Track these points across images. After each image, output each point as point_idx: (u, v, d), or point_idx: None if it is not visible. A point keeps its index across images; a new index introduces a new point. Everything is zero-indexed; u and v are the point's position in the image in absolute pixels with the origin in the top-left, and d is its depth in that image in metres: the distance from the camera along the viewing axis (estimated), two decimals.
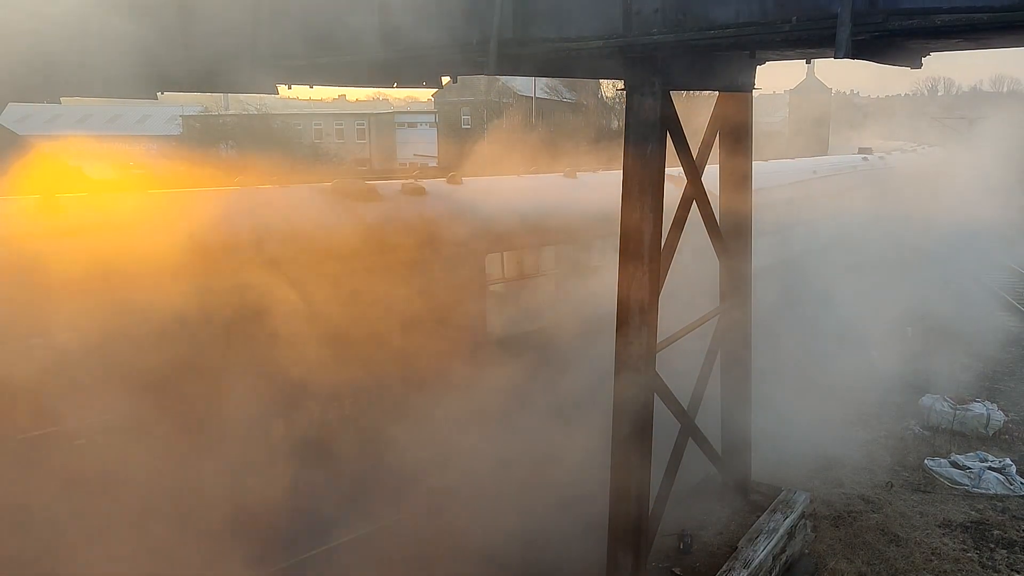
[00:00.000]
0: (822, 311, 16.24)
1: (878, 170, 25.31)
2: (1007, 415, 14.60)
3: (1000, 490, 11.99)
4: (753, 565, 8.34)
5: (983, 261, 28.22)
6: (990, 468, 12.36)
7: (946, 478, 12.33)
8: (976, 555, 10.31)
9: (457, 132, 49.36)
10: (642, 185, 7.10)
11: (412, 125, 60.05)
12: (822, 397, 14.34)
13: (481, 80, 47.87)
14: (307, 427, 7.85)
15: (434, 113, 57.05)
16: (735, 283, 9.28)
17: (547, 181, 12.08)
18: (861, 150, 29.34)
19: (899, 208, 23.53)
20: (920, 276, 22.82)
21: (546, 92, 53.10)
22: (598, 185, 12.22)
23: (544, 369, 9.94)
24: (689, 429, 8.63)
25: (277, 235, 7.73)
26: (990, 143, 33.87)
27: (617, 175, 12.74)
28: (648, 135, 6.98)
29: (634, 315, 7.29)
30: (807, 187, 18.34)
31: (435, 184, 10.27)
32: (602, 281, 10.63)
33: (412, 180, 9.99)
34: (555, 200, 10.96)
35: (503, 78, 45.07)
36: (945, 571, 9.97)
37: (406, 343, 8.43)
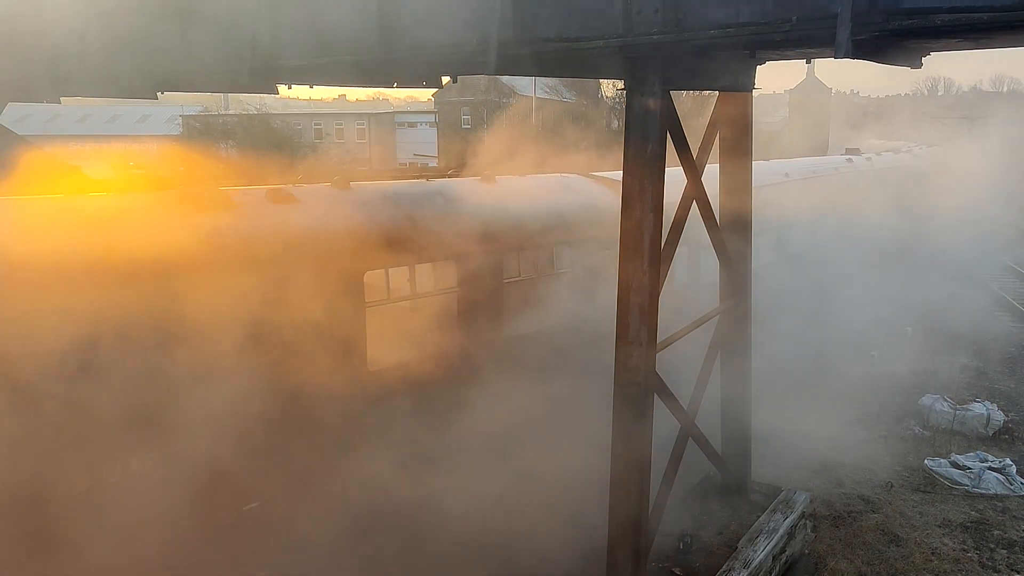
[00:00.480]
0: (800, 322, 15.67)
1: (864, 172, 23.41)
2: (1007, 415, 14.59)
3: (1000, 490, 11.98)
4: (753, 565, 8.34)
5: (980, 264, 27.84)
6: (990, 468, 12.35)
7: (946, 478, 12.33)
8: (976, 555, 10.31)
9: (457, 132, 49.41)
10: (642, 185, 7.10)
11: (412, 125, 60.14)
12: (821, 397, 14.35)
13: (481, 80, 47.95)
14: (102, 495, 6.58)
15: (434, 113, 57.16)
16: (735, 283, 9.29)
17: (458, 186, 10.75)
18: (848, 150, 27.30)
19: (887, 212, 21.65)
20: (911, 283, 22.02)
21: (546, 92, 53.14)
22: (519, 191, 11.05)
23: (444, 406, 8.82)
24: (689, 429, 8.63)
25: (72, 253, 6.44)
26: (992, 143, 33.76)
27: (544, 179, 12.08)
28: (648, 135, 6.98)
29: (634, 315, 7.29)
30: (775, 192, 16.28)
31: (315, 190, 9.12)
32: (515, 300, 9.90)
33: (285, 185, 8.98)
34: (462, 208, 9.78)
35: (504, 77, 45.10)
36: (945, 571, 9.96)
37: (247, 381, 7.18)
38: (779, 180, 17.23)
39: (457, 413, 8.94)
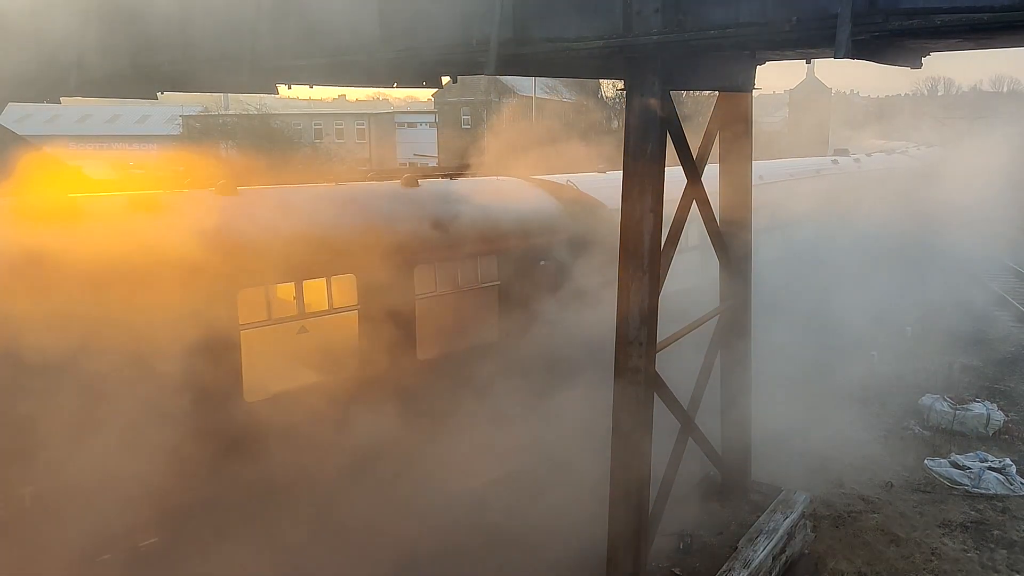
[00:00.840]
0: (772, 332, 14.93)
1: (851, 174, 21.83)
2: (1007, 415, 14.60)
3: (1000, 490, 11.98)
4: (753, 565, 8.34)
5: (978, 269, 27.30)
6: (990, 468, 12.35)
7: (946, 478, 12.33)
8: (976, 555, 10.31)
9: (457, 132, 49.46)
10: (642, 185, 7.10)
11: (412, 125, 60.14)
12: (821, 398, 14.34)
13: (481, 80, 47.94)
14: None
15: (434, 113, 57.15)
16: (735, 283, 9.28)
17: (373, 190, 9.67)
18: (837, 151, 26.07)
19: (874, 215, 20.06)
20: (897, 290, 20.87)
21: (546, 92, 53.14)
22: (444, 195, 9.96)
23: (340, 441, 7.92)
24: (689, 429, 8.63)
25: None
26: (992, 143, 33.59)
27: (476, 182, 11.16)
28: (648, 135, 6.98)
29: (634, 315, 7.29)
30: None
31: (191, 196, 8.19)
32: (431, 318, 8.98)
33: (155, 191, 8.13)
34: (370, 214, 8.82)
35: (505, 77, 45.14)
36: (945, 571, 9.97)
37: (93, 416, 6.35)
38: (753, 182, 16.20)
39: (356, 449, 8.00)
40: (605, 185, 12.10)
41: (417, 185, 9.90)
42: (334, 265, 8.09)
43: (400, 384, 8.53)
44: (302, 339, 8.37)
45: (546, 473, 9.29)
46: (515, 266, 9.92)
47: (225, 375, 7.25)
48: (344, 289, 8.21)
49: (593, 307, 9.86)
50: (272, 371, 7.92)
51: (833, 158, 23.10)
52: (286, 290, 7.95)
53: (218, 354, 7.15)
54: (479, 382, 9.12)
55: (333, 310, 8.15)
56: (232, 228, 7.61)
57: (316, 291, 8.08)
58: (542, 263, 10.20)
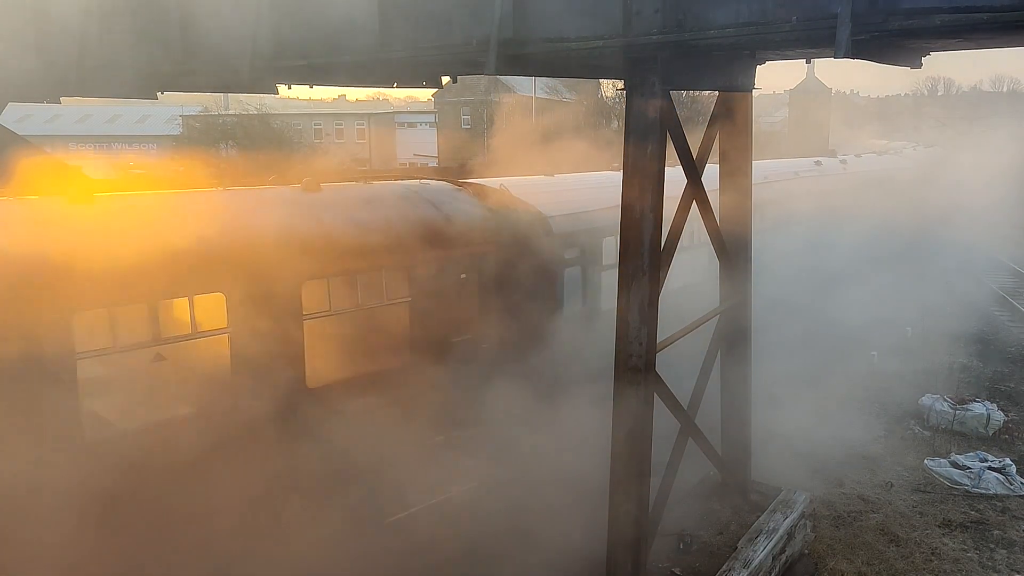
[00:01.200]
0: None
1: (835, 176, 20.93)
2: (1007, 415, 14.60)
3: (1000, 490, 11.98)
4: (753, 565, 8.34)
5: (971, 271, 26.88)
6: (990, 468, 12.35)
7: (946, 478, 12.33)
8: (976, 555, 10.31)
9: (457, 132, 49.55)
10: (642, 185, 7.11)
11: (412, 125, 60.26)
12: (821, 398, 14.34)
13: (481, 80, 48.00)
14: None
15: (434, 113, 57.25)
16: (735, 283, 9.28)
17: (263, 196, 8.66)
18: (828, 152, 25.34)
19: (855, 219, 18.95)
20: (867, 305, 19.66)
21: (546, 92, 53.17)
22: (349, 201, 8.94)
23: (196, 481, 6.96)
24: (689, 429, 8.64)
25: None
26: (995, 143, 33.43)
27: (390, 187, 9.99)
28: (648, 135, 6.99)
29: (634, 315, 7.29)
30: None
31: (30, 204, 7.16)
32: (324, 340, 8.11)
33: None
34: (252, 223, 7.80)
35: (505, 77, 45.17)
36: (945, 571, 9.97)
37: None
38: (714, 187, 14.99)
39: (226, 494, 7.13)
40: (547, 190, 11.45)
41: (319, 190, 8.91)
42: (198, 282, 7.12)
43: (285, 416, 7.62)
44: (158, 368, 7.30)
45: (468, 511, 8.63)
46: (430, 280, 8.93)
47: (58, 411, 6.33)
48: (211, 309, 7.25)
49: (523, 325, 9.24)
50: (120, 405, 7.04)
51: (816, 160, 22.20)
52: (137, 312, 6.94)
53: (48, 386, 6.23)
54: (385, 412, 8.18)
55: (197, 334, 7.18)
56: (70, 241, 6.56)
57: (177, 312, 7.19)
58: (462, 276, 9.34)
